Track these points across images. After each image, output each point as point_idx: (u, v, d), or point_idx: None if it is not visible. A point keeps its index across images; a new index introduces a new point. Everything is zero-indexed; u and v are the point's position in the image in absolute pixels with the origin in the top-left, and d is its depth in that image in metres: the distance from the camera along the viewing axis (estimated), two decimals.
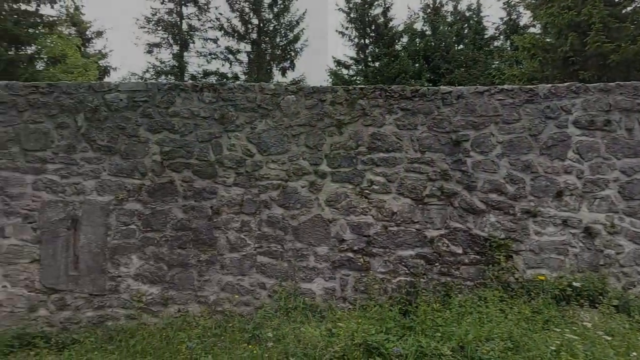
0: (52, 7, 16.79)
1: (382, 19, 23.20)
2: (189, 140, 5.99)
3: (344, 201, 5.97)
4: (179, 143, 5.96)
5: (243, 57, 23.73)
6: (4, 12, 14.93)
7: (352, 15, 23.26)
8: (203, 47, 23.70)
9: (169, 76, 22.82)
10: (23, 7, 16.16)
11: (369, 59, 23.24)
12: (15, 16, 15.50)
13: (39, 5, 16.09)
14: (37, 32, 16.22)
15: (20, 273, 5.71)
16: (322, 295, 5.91)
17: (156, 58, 23.54)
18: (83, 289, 5.78)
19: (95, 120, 5.86)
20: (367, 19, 23.12)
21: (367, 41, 23.54)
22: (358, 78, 23.03)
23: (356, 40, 23.62)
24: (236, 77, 22.91)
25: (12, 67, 14.62)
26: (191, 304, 5.91)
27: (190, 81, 5.84)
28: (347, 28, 23.47)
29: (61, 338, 5.50)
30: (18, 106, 5.78)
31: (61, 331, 5.66)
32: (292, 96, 6.02)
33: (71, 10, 21.59)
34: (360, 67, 23.46)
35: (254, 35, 23.12)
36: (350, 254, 5.96)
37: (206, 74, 23.09)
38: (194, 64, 26.66)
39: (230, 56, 23.49)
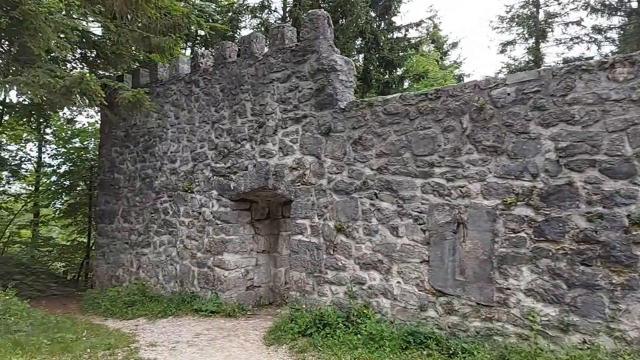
0: (417, 30, 18.64)
1: None
2: (594, 132, 4.81)
3: None
4: (579, 136, 4.88)
5: (614, 35, 19.65)
6: (381, 42, 17.57)
7: None
8: (563, 33, 21.16)
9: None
10: (395, 34, 18.64)
11: None
12: (389, 44, 18.00)
13: (407, 31, 18.18)
14: (406, 54, 18.34)
15: (412, 272, 6.04)
16: None
17: (509, 56, 22.68)
18: (470, 296, 5.55)
19: (480, 120, 5.57)
20: None
21: None
22: None
23: None
24: None
25: (386, 87, 17.02)
26: (601, 337, 4.68)
27: (597, 58, 4.62)
28: None
29: (450, 344, 5.43)
30: (410, 115, 6.18)
31: (450, 336, 5.60)
32: None
33: (431, 30, 23.58)
34: None
35: (634, 4, 18.61)
36: None
37: (566, 62, 20.30)
38: (551, 55, 24.36)
39: (598, 36, 19.87)
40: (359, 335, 5.93)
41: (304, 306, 6.91)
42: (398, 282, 6.17)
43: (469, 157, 5.64)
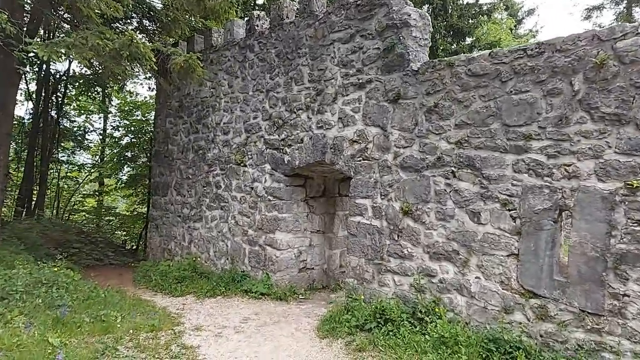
0: None
1: None
2: None
3: None
4: None
5: None
6: (450, 9, 15.96)
7: None
8: None
9: None
10: (465, 0, 16.90)
11: None
12: (458, 10, 16.35)
13: None
14: (476, 22, 16.61)
15: (495, 266, 5.03)
16: None
17: (594, 23, 20.10)
18: (571, 301, 4.48)
19: (598, 80, 4.37)
20: None
21: None
22: None
23: None
24: None
25: None
26: None
27: None
28: None
29: (544, 357, 4.43)
30: (501, 76, 5.06)
31: (542, 347, 4.59)
32: None
33: None
34: None
35: None
36: None
37: None
38: None
39: None
40: (427, 337, 5.06)
41: (362, 296, 6.12)
42: (477, 277, 5.18)
43: (580, 127, 4.47)
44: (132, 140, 17.55)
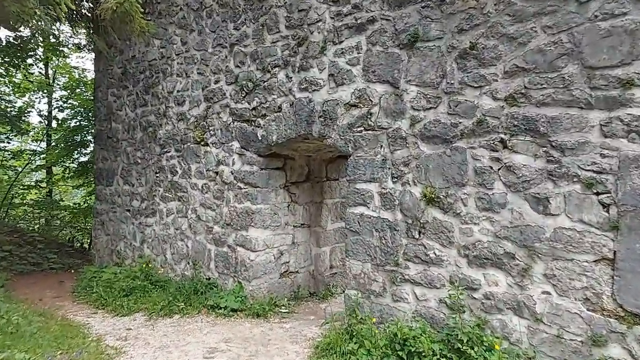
0: None
1: None
2: None
3: None
4: None
5: None
6: None
7: None
8: None
9: None
10: None
11: None
12: None
13: None
14: None
15: (576, 277, 3.44)
16: None
17: None
18: None
19: None
20: None
21: None
22: None
23: None
24: None
25: None
26: None
27: None
28: None
29: None
30: None
31: None
32: None
33: None
34: None
35: None
36: None
37: None
38: None
39: None
40: None
41: (372, 318, 4.45)
42: (545, 292, 3.58)
43: None
44: (81, 122, 15.31)
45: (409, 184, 4.39)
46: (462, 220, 4.02)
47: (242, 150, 6.19)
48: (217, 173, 6.54)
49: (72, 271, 9.77)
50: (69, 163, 16.10)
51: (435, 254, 4.19)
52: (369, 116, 4.72)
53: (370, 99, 4.72)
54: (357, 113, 4.83)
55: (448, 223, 4.11)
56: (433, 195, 4.19)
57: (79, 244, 14.29)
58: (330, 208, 6.98)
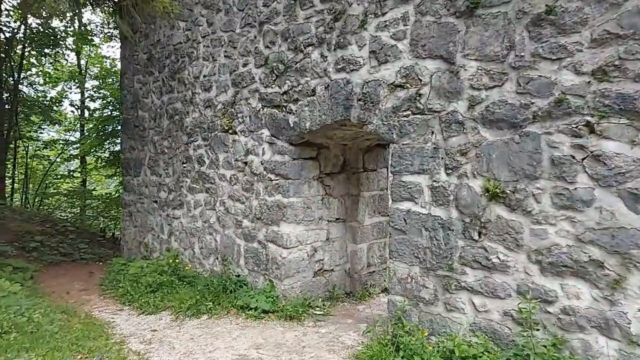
0: None
1: None
2: None
3: None
4: None
5: None
6: None
7: None
8: None
9: None
10: None
11: None
12: None
13: None
14: None
15: None
16: None
17: None
18: None
19: None
20: None
21: None
22: None
23: None
24: None
25: None
26: None
27: None
28: None
29: None
30: None
31: None
32: None
33: None
34: None
35: None
36: None
37: None
38: None
39: None
40: None
41: (424, 331, 3.89)
42: None
43: None
44: (112, 112, 15.26)
45: (466, 176, 3.77)
46: (534, 220, 3.38)
47: (273, 138, 5.69)
48: (246, 163, 6.08)
49: (102, 263, 9.62)
50: (101, 153, 16.13)
51: (500, 259, 3.57)
52: (417, 98, 4.10)
53: (419, 78, 4.09)
54: (404, 94, 4.22)
55: (516, 223, 3.48)
56: (497, 190, 3.55)
57: (110, 234, 14.25)
58: (367, 201, 6.41)
